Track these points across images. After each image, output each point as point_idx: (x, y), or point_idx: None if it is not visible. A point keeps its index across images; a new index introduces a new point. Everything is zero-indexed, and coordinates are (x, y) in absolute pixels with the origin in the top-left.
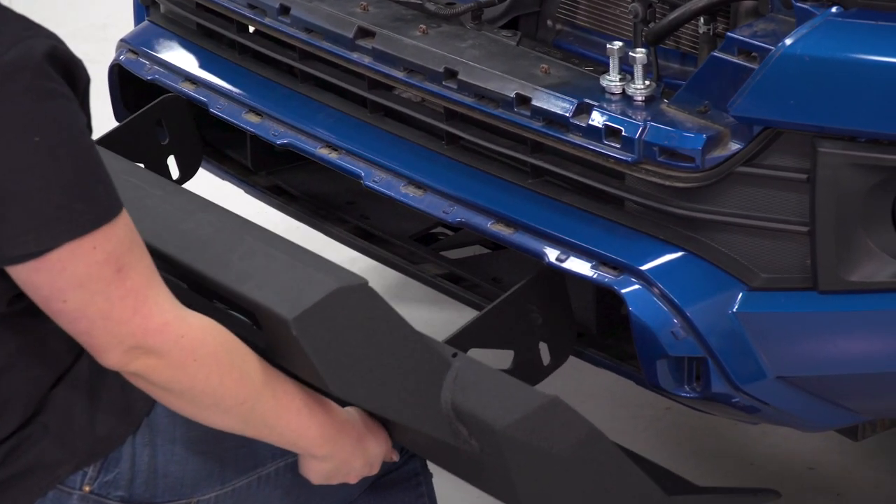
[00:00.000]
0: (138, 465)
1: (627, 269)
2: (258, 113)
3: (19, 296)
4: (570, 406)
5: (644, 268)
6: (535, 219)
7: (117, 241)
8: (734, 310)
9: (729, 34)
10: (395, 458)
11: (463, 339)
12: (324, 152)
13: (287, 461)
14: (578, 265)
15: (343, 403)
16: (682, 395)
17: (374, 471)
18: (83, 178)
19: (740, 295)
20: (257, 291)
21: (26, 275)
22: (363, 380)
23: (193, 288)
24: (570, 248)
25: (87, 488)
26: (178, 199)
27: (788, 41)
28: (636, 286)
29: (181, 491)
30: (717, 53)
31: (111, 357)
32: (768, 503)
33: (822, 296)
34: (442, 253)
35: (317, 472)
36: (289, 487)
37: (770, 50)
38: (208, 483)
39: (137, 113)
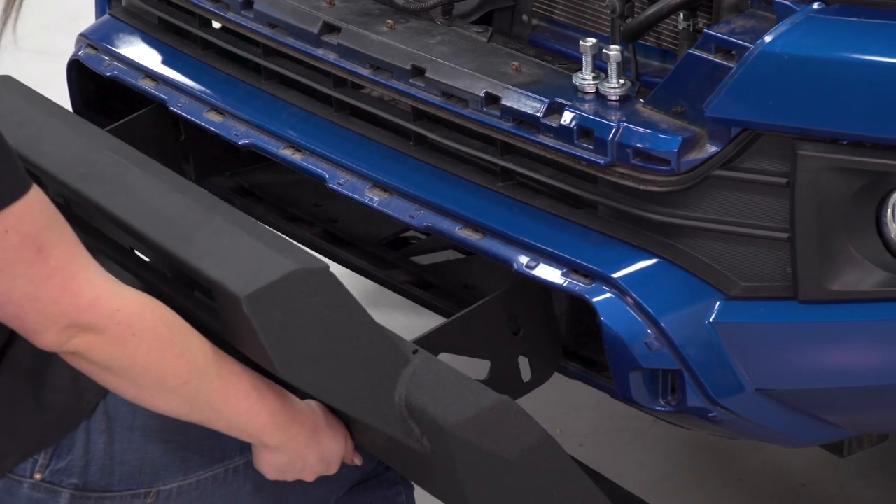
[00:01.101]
0: (93, 452)
1: (599, 277)
2: (220, 111)
3: None
4: (523, 409)
5: (616, 276)
6: (504, 224)
7: (31, 220)
8: (711, 320)
9: (706, 31)
10: (358, 461)
11: (432, 342)
12: (287, 153)
13: None
14: (548, 272)
15: (302, 396)
16: (657, 409)
17: (332, 469)
18: None
19: (717, 304)
20: (215, 268)
21: None
22: (314, 366)
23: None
24: (540, 255)
25: (37, 476)
26: (156, 177)
27: (767, 38)
28: (608, 295)
29: (140, 479)
30: (693, 51)
31: (46, 338)
32: None
33: (803, 306)
34: (414, 258)
35: (269, 464)
36: (260, 483)
37: (748, 48)
38: (169, 472)
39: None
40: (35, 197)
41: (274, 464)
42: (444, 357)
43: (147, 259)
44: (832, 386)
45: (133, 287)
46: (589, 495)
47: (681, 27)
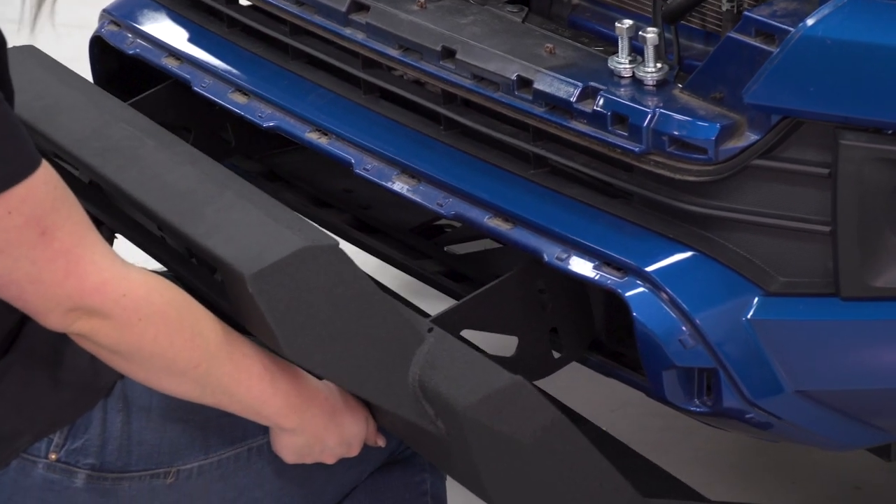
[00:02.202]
0: (110, 432)
1: (632, 271)
2: (245, 92)
3: None
4: (536, 390)
5: (650, 269)
6: (535, 213)
7: (36, 202)
8: (748, 316)
9: (746, 13)
10: (381, 442)
11: (455, 318)
12: (313, 136)
13: None
14: (580, 265)
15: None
16: (692, 409)
17: (353, 452)
18: None
19: (756, 300)
20: (221, 246)
21: None
22: (323, 346)
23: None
24: (571, 246)
25: (52, 456)
26: (169, 150)
27: (809, 22)
28: (641, 289)
29: (158, 459)
30: (732, 34)
31: (51, 320)
32: None
33: (845, 303)
34: (449, 246)
35: (287, 447)
36: (282, 466)
37: (789, 31)
38: (189, 452)
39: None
40: (42, 177)
41: (291, 447)
42: (471, 334)
43: (163, 238)
44: (876, 387)
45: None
46: (605, 475)
47: (724, 8)
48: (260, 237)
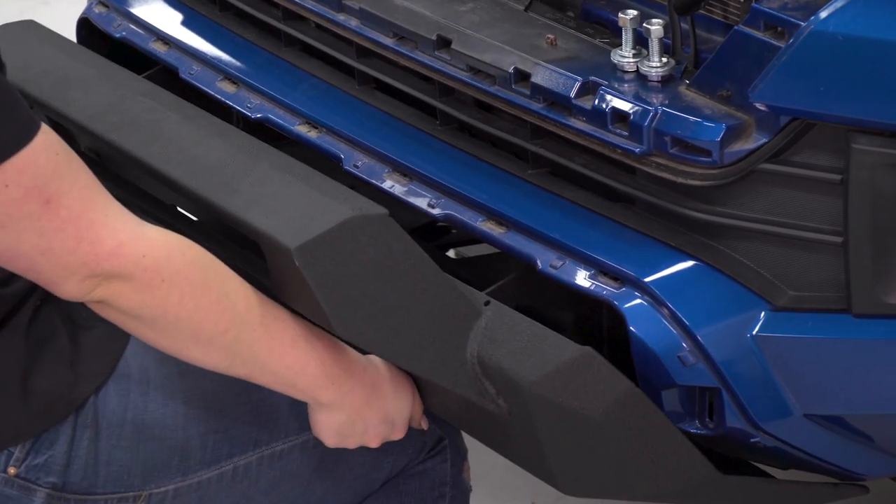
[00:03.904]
0: (76, 449)
1: (630, 281)
2: (234, 81)
3: None
4: (607, 361)
5: (649, 280)
6: (530, 217)
7: (36, 171)
8: (754, 332)
9: (754, 5)
10: (424, 425)
11: (507, 292)
12: (302, 130)
13: (273, 449)
14: (574, 274)
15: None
16: (693, 431)
17: (398, 433)
18: None
19: (762, 315)
20: (262, 219)
21: None
22: (375, 322)
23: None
24: (566, 253)
25: (11, 471)
26: (195, 123)
27: (822, 15)
28: (639, 301)
29: (129, 482)
30: (740, 28)
31: (68, 289)
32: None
33: (857, 320)
34: (457, 248)
35: (327, 426)
36: (273, 482)
37: (799, 25)
38: (164, 473)
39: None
40: (42, 143)
41: (332, 425)
42: None
43: (189, 215)
44: (890, 412)
45: None
46: (682, 450)
47: None
48: (304, 208)
